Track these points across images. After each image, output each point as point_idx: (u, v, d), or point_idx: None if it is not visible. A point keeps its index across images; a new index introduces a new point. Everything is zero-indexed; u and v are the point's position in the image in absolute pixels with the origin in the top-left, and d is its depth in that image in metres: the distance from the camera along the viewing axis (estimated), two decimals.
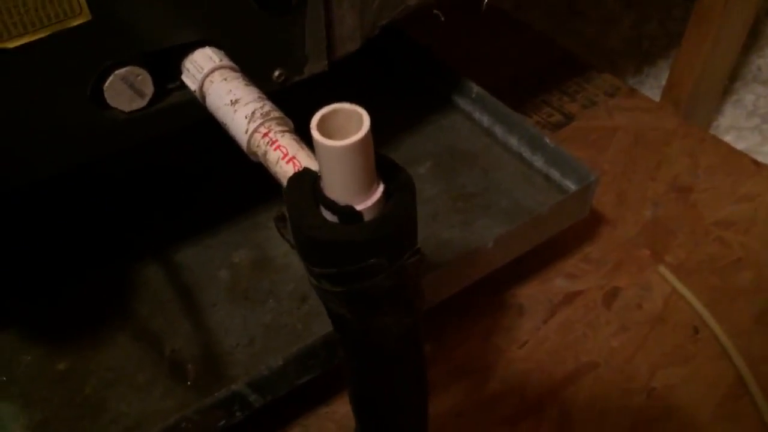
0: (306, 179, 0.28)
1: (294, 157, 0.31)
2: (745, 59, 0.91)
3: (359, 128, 0.24)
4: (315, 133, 0.24)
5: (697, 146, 0.68)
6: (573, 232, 0.58)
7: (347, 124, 0.25)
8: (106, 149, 0.37)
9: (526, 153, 0.56)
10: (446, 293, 0.50)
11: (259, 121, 0.33)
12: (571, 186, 0.53)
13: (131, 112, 0.36)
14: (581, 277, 0.59)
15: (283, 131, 0.33)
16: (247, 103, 0.34)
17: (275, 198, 0.54)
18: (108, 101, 0.35)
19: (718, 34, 0.71)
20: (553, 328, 0.55)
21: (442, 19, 0.46)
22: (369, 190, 0.26)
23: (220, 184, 0.56)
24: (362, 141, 0.24)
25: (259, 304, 0.49)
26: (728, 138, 0.83)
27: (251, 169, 0.34)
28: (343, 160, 0.25)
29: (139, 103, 0.36)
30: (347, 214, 0.26)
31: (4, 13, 0.29)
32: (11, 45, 0.30)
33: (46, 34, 0.31)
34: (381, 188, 0.26)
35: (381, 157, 0.27)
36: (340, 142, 0.24)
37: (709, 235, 0.60)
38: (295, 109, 0.35)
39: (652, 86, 0.90)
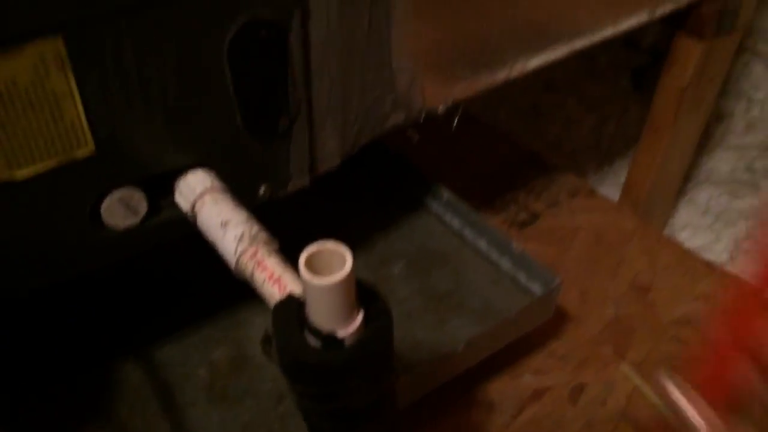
0: (292, 306, 0.30)
1: (279, 279, 0.34)
2: (698, 161, 0.97)
3: (342, 266, 0.27)
4: (302, 270, 0.27)
5: (654, 246, 0.72)
6: (540, 328, 0.61)
7: (332, 260, 0.28)
8: (99, 262, 0.39)
9: (495, 256, 0.59)
10: (419, 394, 0.51)
11: (247, 243, 0.35)
12: (537, 289, 0.56)
13: (125, 229, 0.39)
14: (548, 373, 0.61)
15: (270, 251, 0.35)
16: (236, 225, 0.36)
17: (255, 296, 0.56)
18: (104, 220, 0.38)
19: (671, 142, 0.77)
20: (522, 425, 0.57)
21: (417, 138, 0.50)
22: (350, 317, 0.29)
23: (200, 279, 0.58)
24: (345, 279, 0.27)
25: (237, 403, 0.51)
26: (684, 235, 0.88)
27: None
28: (328, 295, 0.27)
29: (133, 221, 0.39)
30: (330, 340, 0.28)
31: (16, 147, 0.32)
32: (19, 174, 0.33)
33: (53, 165, 0.34)
34: (361, 315, 0.29)
35: (361, 283, 0.30)
36: (325, 280, 0.27)
37: (667, 333, 0.64)
38: (277, 216, 0.38)
39: (612, 183, 0.95)
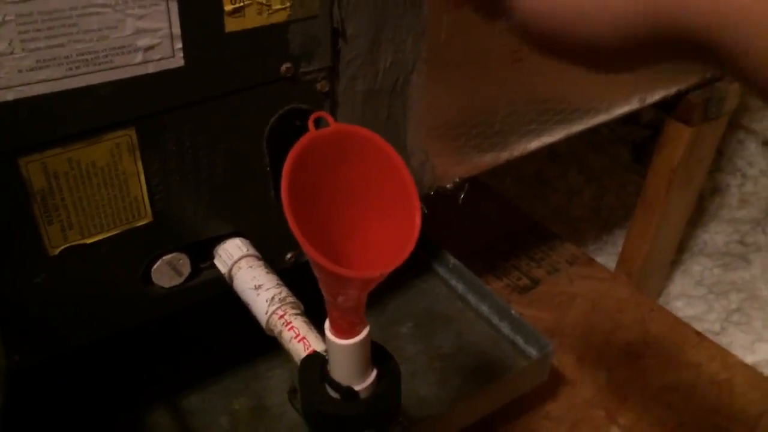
0: (316, 362, 0.35)
1: (304, 338, 0.39)
2: (692, 232, 1.02)
3: (361, 330, 0.32)
4: (328, 332, 0.32)
5: (647, 315, 0.77)
6: (538, 390, 0.65)
7: None
8: (145, 316, 0.44)
9: (495, 320, 0.64)
10: None
11: (277, 305, 0.41)
12: (533, 352, 0.61)
13: (170, 287, 0.44)
14: None
15: (296, 314, 0.41)
16: (268, 289, 0.42)
17: (273, 351, 0.61)
18: (153, 280, 0.43)
19: (663, 217, 0.82)
20: None
21: (425, 212, 0.56)
22: (365, 374, 0.34)
23: (224, 334, 0.63)
24: (362, 341, 0.32)
25: None
26: (678, 304, 0.93)
27: (253, 323, 0.41)
28: (348, 353, 0.32)
29: (177, 281, 0.44)
30: (347, 393, 0.33)
31: (89, 218, 0.38)
32: (89, 241, 0.39)
33: (117, 232, 0.40)
34: (374, 373, 0.34)
35: (375, 345, 0.35)
36: (347, 340, 0.32)
37: (656, 399, 0.68)
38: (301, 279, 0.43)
39: (610, 253, 1.00)
